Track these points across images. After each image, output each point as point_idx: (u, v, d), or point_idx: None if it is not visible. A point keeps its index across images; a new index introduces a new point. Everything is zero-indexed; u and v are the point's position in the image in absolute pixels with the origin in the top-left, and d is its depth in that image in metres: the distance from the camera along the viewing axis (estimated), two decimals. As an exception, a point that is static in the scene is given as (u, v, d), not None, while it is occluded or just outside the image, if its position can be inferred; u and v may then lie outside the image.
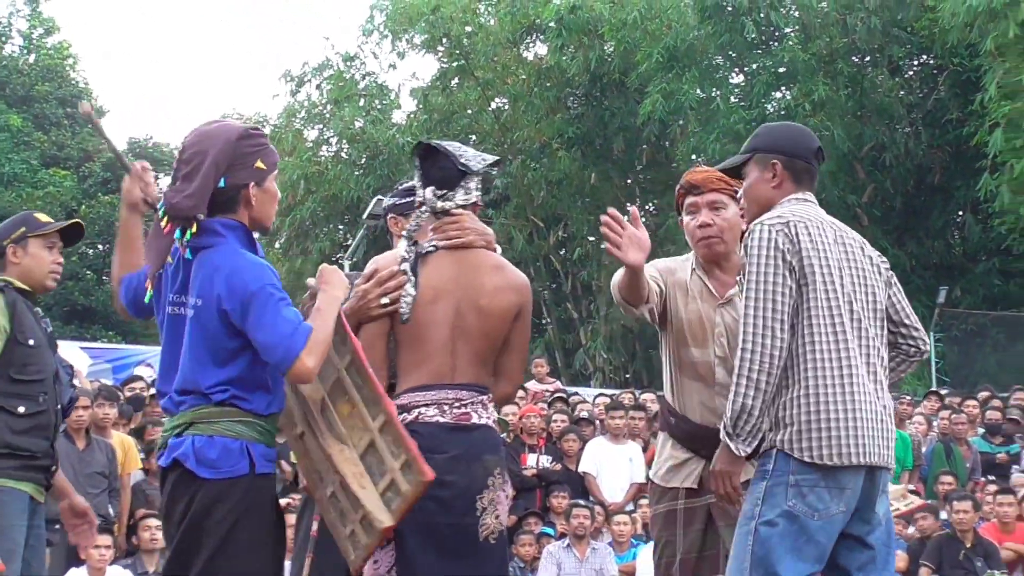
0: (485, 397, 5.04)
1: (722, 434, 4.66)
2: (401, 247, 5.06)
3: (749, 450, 4.64)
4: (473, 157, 5.16)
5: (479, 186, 5.20)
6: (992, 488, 12.60)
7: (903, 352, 5.07)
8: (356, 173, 31.50)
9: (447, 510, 4.80)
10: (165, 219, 4.48)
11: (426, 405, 4.90)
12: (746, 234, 4.79)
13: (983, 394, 16.17)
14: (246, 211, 4.56)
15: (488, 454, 4.94)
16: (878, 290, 4.89)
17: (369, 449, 4.69)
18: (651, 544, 11.59)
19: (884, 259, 5.03)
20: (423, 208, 5.10)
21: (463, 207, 5.12)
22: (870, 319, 4.81)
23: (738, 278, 5.04)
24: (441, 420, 4.87)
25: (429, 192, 5.10)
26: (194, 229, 4.45)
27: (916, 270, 25.99)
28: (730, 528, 5.14)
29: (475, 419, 4.95)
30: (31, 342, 5.92)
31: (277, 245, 32.46)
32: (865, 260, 4.88)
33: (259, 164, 4.56)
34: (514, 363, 5.16)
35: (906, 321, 5.02)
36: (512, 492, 5.27)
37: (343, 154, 33.10)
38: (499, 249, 5.32)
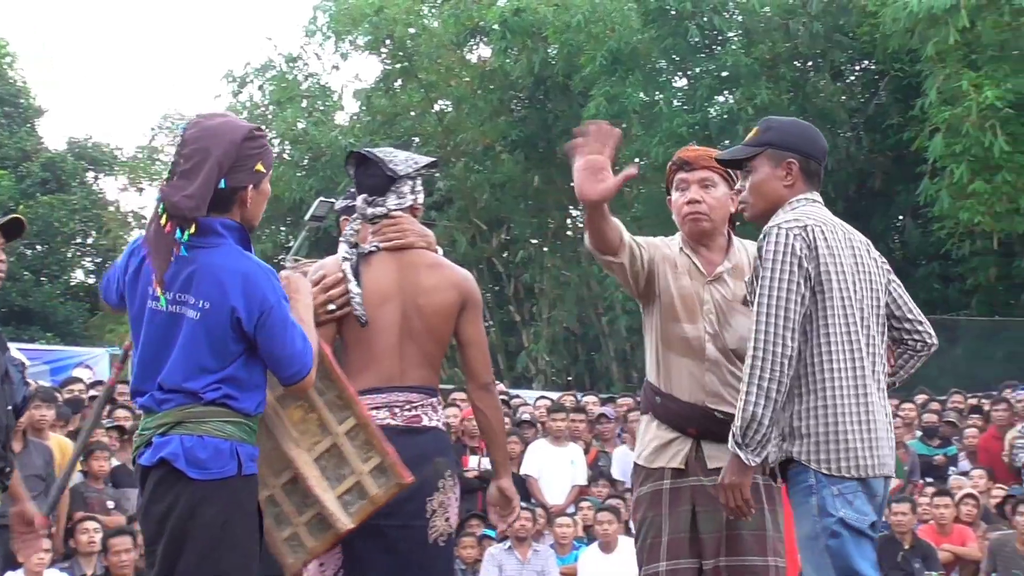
0: (435, 399, 5.06)
1: (730, 444, 4.58)
2: (342, 251, 5.06)
3: (758, 460, 4.58)
4: (403, 161, 5.17)
5: (415, 189, 5.20)
6: (930, 490, 12.67)
7: (910, 348, 5.03)
8: (298, 174, 31.43)
9: (397, 512, 4.80)
10: (165, 217, 4.36)
11: (376, 408, 4.89)
12: (762, 237, 4.69)
13: (920, 397, 16.28)
14: (240, 211, 4.50)
15: (439, 456, 4.96)
16: (881, 293, 4.84)
17: (326, 454, 4.70)
18: (593, 546, 11.65)
19: (883, 258, 4.98)
20: (355, 216, 5.14)
21: (398, 211, 5.12)
22: (875, 325, 4.77)
23: (746, 279, 4.93)
24: (392, 423, 4.88)
25: (360, 200, 5.14)
26: (193, 229, 4.35)
27: (857, 274, 26.10)
28: (708, 514, 5.11)
29: (425, 421, 4.98)
30: None
31: (219, 246, 32.24)
32: (871, 263, 4.82)
33: (259, 167, 4.50)
34: (475, 358, 5.18)
35: (909, 316, 4.97)
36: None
37: (285, 155, 32.97)
38: (440, 251, 5.32)
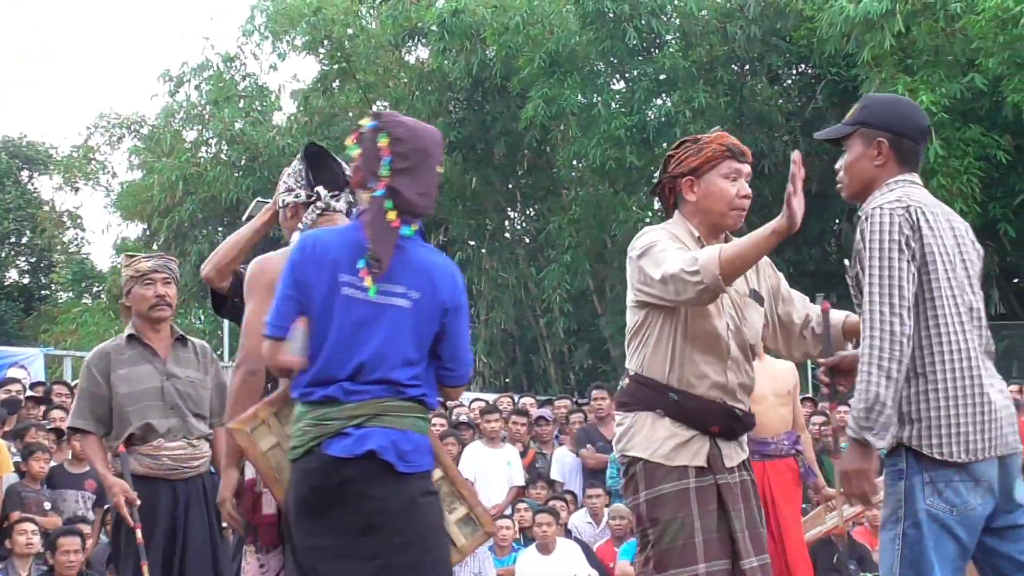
0: None
1: (851, 430, 4.41)
2: (295, 240, 4.99)
3: (883, 444, 4.42)
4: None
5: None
6: (865, 493, 12.71)
7: None
8: (235, 175, 31.24)
9: None
10: (395, 213, 4.55)
11: None
12: (863, 218, 4.59)
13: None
14: None
15: None
16: (980, 276, 4.74)
17: None
18: (531, 547, 11.62)
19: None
20: (319, 204, 5.19)
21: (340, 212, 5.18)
22: (980, 306, 4.66)
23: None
24: None
25: (323, 190, 5.20)
26: (416, 226, 4.67)
27: (794, 277, 26.25)
28: (739, 512, 5.09)
29: None
30: None
31: (155, 246, 32.11)
32: (970, 246, 4.71)
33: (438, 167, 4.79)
34: None
35: None
36: None
37: (222, 155, 32.78)
38: None
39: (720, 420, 5.13)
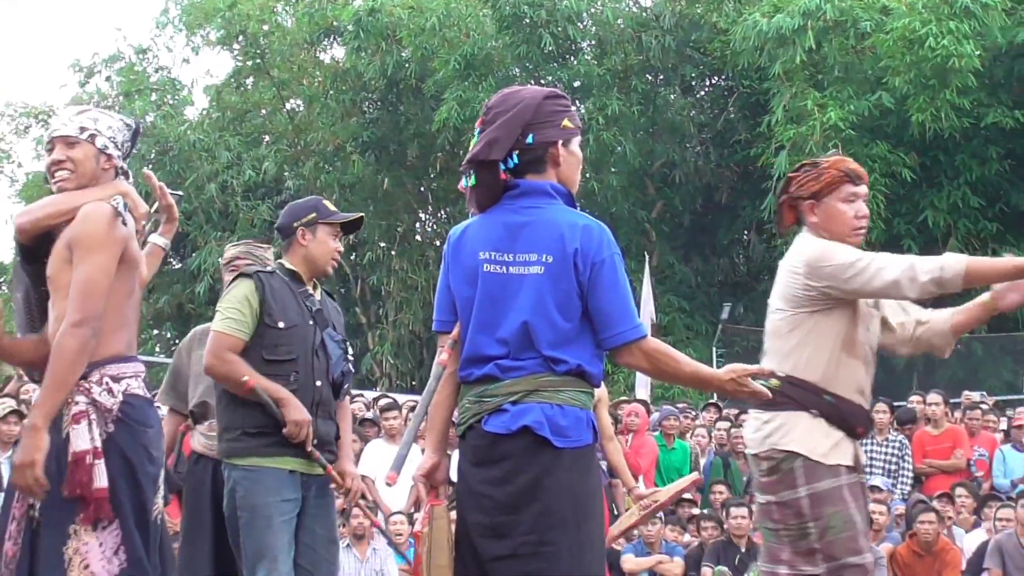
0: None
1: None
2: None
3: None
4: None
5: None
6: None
7: None
8: (145, 168, 31.05)
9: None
10: (473, 177, 4.53)
11: (134, 376, 4.86)
12: None
13: (758, 409, 16.45)
14: (554, 171, 4.53)
15: None
16: None
17: None
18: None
19: None
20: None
21: None
22: None
23: None
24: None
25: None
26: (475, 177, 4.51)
27: (701, 286, 26.45)
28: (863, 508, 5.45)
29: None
30: (281, 324, 6.07)
31: (61, 238, 31.77)
32: None
33: (566, 123, 4.54)
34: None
35: None
36: None
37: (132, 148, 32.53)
38: None
39: (865, 422, 5.48)
